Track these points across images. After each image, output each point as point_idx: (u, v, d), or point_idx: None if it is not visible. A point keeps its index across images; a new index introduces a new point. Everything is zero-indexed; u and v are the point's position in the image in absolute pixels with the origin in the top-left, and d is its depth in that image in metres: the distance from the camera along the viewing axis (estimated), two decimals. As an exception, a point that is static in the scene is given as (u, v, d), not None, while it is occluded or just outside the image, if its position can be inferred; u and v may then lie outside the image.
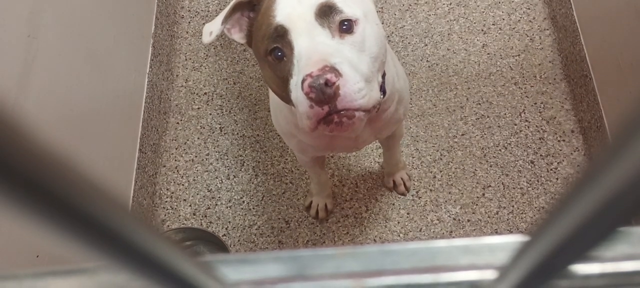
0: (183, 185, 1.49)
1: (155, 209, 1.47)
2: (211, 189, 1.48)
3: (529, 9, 1.64)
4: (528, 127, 1.47)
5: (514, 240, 0.25)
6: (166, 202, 1.48)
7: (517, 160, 1.44)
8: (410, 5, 1.67)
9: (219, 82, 1.62)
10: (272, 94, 0.97)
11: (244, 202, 1.45)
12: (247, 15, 0.82)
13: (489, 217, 1.38)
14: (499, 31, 1.61)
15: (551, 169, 1.42)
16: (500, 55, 1.57)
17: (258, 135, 1.53)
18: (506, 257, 0.22)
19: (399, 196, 1.42)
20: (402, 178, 1.40)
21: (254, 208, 1.44)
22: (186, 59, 1.67)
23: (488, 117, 1.49)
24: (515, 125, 1.48)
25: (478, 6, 1.65)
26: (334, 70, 0.66)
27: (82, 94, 1.18)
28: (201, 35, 0.85)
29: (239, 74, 1.63)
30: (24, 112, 0.98)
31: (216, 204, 1.46)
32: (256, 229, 1.42)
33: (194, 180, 1.49)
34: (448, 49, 1.59)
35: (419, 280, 0.25)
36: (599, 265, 0.23)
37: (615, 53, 1.27)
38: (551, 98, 1.51)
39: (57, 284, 0.24)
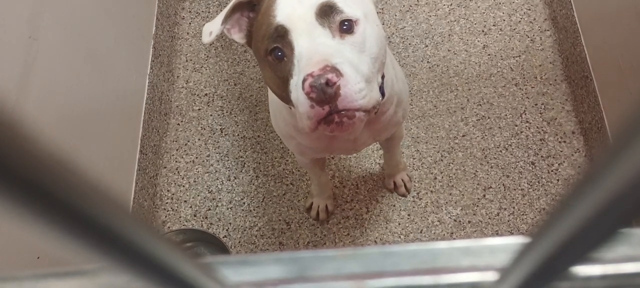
0: (184, 186, 1.49)
1: (156, 210, 1.47)
2: (212, 190, 1.48)
3: (529, 10, 1.64)
4: (529, 128, 1.47)
5: (514, 241, 0.25)
6: (167, 203, 1.48)
7: (518, 162, 1.44)
8: (410, 6, 1.67)
9: (219, 83, 1.62)
10: (271, 96, 0.97)
11: (244, 203, 1.45)
12: (246, 15, 0.82)
13: (489, 218, 1.38)
14: (500, 32, 1.61)
15: (552, 170, 1.42)
16: (501, 56, 1.57)
17: (259, 136, 1.53)
18: (507, 258, 0.22)
19: (400, 197, 1.42)
20: (402, 180, 1.40)
21: (254, 210, 1.44)
22: (187, 60, 1.67)
23: (489, 118, 1.49)
24: (516, 126, 1.48)
25: (479, 7, 1.65)
26: (335, 70, 0.66)
27: (82, 95, 1.18)
28: (201, 35, 0.85)
29: (239, 75, 1.63)
30: (25, 113, 0.98)
31: (217, 205, 1.46)
32: (257, 230, 1.42)
33: (195, 181, 1.49)
34: (449, 50, 1.59)
35: (419, 282, 0.25)
36: (600, 266, 0.23)
37: (616, 54, 1.27)
38: (552, 99, 1.51)
39: (57, 286, 0.24)
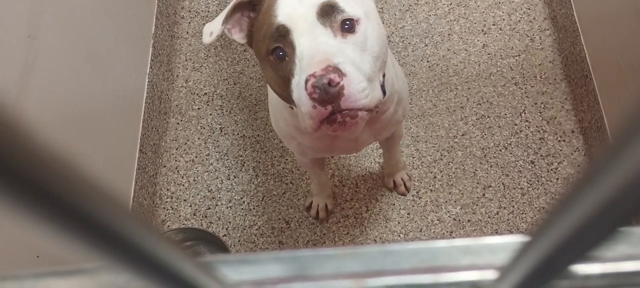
0: (183, 185, 1.49)
1: (156, 209, 1.47)
2: (211, 189, 1.48)
3: (529, 9, 1.64)
4: (528, 127, 1.47)
5: (514, 240, 0.25)
6: (166, 202, 1.48)
7: (518, 161, 1.44)
8: (410, 5, 1.67)
9: (219, 83, 1.62)
10: (271, 97, 0.97)
11: (244, 202, 1.45)
12: (247, 15, 0.82)
13: (489, 217, 1.38)
14: (499, 31, 1.61)
15: (551, 169, 1.42)
16: (501, 56, 1.57)
17: (258, 135, 1.53)
18: (507, 257, 0.22)
19: (400, 196, 1.42)
20: (402, 179, 1.40)
21: (254, 209, 1.44)
22: (186, 60, 1.67)
23: (488, 117, 1.49)
24: (516, 125, 1.48)
25: (478, 6, 1.65)
26: (337, 70, 0.66)
27: (82, 94, 1.18)
28: (201, 35, 0.85)
29: (239, 74, 1.63)
30: (25, 113, 0.98)
31: (216, 204, 1.46)
32: (256, 229, 1.42)
33: (195, 180, 1.49)
34: (448, 49, 1.59)
35: (419, 281, 0.25)
36: (599, 265, 0.23)
37: (616, 53, 1.27)
38: (551, 98, 1.51)
39: (57, 284, 0.24)
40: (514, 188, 1.41)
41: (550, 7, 1.63)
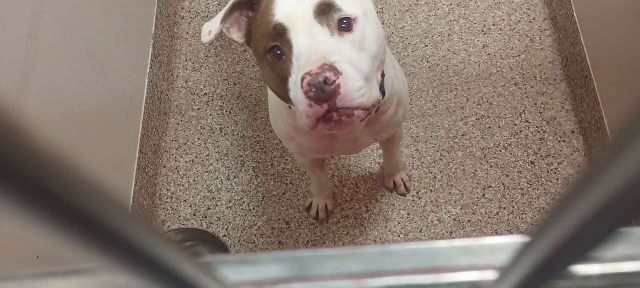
0: (183, 186, 1.49)
1: (156, 210, 1.47)
2: (211, 190, 1.48)
3: (529, 9, 1.64)
4: (528, 128, 1.47)
5: (514, 240, 0.25)
6: (166, 202, 1.48)
7: (518, 161, 1.44)
8: (410, 6, 1.67)
9: (219, 83, 1.62)
10: (271, 97, 0.97)
11: (244, 202, 1.45)
12: (246, 14, 0.82)
13: (489, 217, 1.38)
14: (500, 32, 1.61)
15: (551, 170, 1.42)
16: (501, 56, 1.57)
17: (258, 136, 1.53)
18: (507, 257, 0.22)
19: (400, 197, 1.42)
20: (402, 179, 1.40)
21: (254, 209, 1.44)
22: (186, 60, 1.67)
23: (488, 117, 1.49)
24: (516, 126, 1.48)
25: (478, 7, 1.65)
26: (333, 68, 0.66)
27: (82, 95, 1.18)
28: (201, 35, 0.85)
29: (239, 74, 1.63)
30: (25, 113, 0.98)
31: (216, 205, 1.46)
32: (256, 230, 1.42)
33: (195, 181, 1.49)
34: (448, 50, 1.59)
35: (419, 281, 0.25)
36: (599, 266, 0.23)
37: (616, 54, 1.27)
38: (551, 99, 1.51)
39: (57, 285, 0.24)
40: (514, 189, 1.41)
41: (550, 7, 1.63)
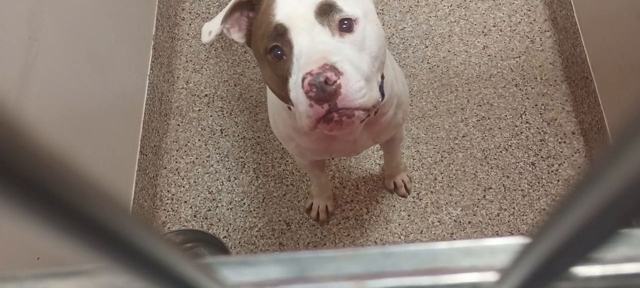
0: (184, 187, 1.49)
1: (156, 211, 1.47)
2: (212, 191, 1.48)
3: (529, 10, 1.64)
4: (529, 129, 1.47)
5: (515, 242, 0.25)
6: (167, 203, 1.48)
7: (518, 162, 1.44)
8: (410, 7, 1.67)
9: (219, 84, 1.62)
10: (270, 98, 0.97)
11: (244, 204, 1.45)
12: (246, 14, 0.82)
13: (489, 219, 1.38)
14: (500, 33, 1.61)
15: (552, 171, 1.42)
16: (501, 57, 1.57)
17: (259, 137, 1.53)
18: (507, 259, 0.22)
19: (400, 198, 1.42)
20: (402, 180, 1.40)
21: (254, 210, 1.44)
22: (187, 61, 1.67)
23: (489, 118, 1.49)
24: (516, 127, 1.48)
25: (479, 8, 1.65)
26: (333, 68, 0.66)
27: (82, 96, 1.18)
28: (201, 35, 0.85)
29: (239, 75, 1.63)
30: (25, 114, 0.98)
31: (217, 206, 1.46)
32: (257, 231, 1.42)
33: (195, 182, 1.49)
34: (449, 51, 1.59)
35: (419, 282, 0.25)
36: (600, 267, 0.23)
37: (616, 54, 1.27)
38: (552, 100, 1.51)
39: (58, 286, 0.24)
40: (515, 190, 1.40)
41: (550, 8, 1.63)
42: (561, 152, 1.44)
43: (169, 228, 1.43)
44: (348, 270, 0.25)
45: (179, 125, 1.58)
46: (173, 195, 1.49)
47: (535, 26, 1.61)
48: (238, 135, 1.54)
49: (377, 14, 0.79)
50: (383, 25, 1.47)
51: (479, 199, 1.40)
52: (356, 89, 0.67)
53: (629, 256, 0.24)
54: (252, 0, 0.80)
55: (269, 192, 1.46)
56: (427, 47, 1.60)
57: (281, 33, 0.71)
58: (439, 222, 1.39)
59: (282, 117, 0.92)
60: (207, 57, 1.67)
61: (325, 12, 0.71)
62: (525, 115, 1.49)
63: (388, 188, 1.42)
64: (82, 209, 0.13)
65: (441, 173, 1.44)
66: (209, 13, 1.74)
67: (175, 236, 1.34)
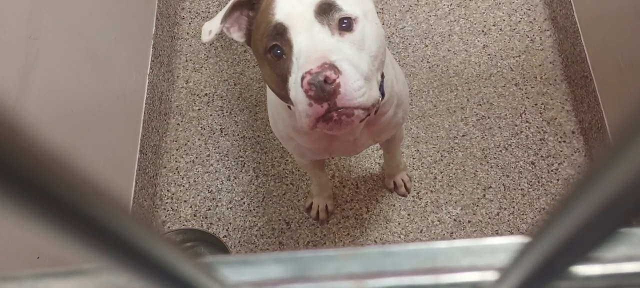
0: (184, 186, 1.49)
1: (156, 210, 1.47)
2: (212, 190, 1.48)
3: (529, 10, 1.64)
4: (529, 128, 1.47)
5: (514, 241, 0.25)
6: (167, 203, 1.48)
7: (518, 161, 1.44)
8: (410, 6, 1.67)
9: (219, 84, 1.62)
10: (270, 98, 0.97)
11: (244, 203, 1.45)
12: (246, 14, 0.82)
13: (489, 218, 1.38)
14: (500, 32, 1.61)
15: (552, 170, 1.42)
16: (501, 56, 1.57)
17: (259, 136, 1.53)
18: (507, 258, 0.22)
19: (400, 197, 1.42)
20: (402, 180, 1.40)
21: (254, 210, 1.44)
22: (187, 60, 1.67)
23: (489, 118, 1.49)
24: (516, 126, 1.48)
25: (478, 7, 1.65)
26: (333, 67, 0.66)
27: (82, 95, 1.18)
28: (201, 35, 0.85)
29: (239, 75, 1.63)
30: (25, 113, 0.98)
31: (217, 205, 1.46)
32: (257, 230, 1.42)
33: (195, 181, 1.49)
34: (448, 50, 1.59)
35: (419, 282, 0.25)
36: (600, 266, 0.23)
37: (616, 54, 1.27)
38: (552, 99, 1.51)
39: (58, 285, 0.24)
40: (515, 189, 1.40)
41: (550, 7, 1.63)
42: (561, 151, 1.44)
43: (168, 227, 1.43)
44: (348, 269, 0.25)
45: (178, 124, 1.58)
46: (173, 194, 1.49)
47: (535, 25, 1.61)
48: (238, 135, 1.54)
49: (377, 13, 0.79)
50: (383, 24, 1.47)
51: (478, 198, 1.40)
52: (355, 88, 0.67)
53: (628, 255, 0.24)
54: (251, 0, 0.80)
55: (268, 191, 1.46)
56: (426, 46, 1.60)
57: (281, 32, 0.71)
58: (438, 221, 1.39)
59: (282, 116, 0.92)
60: (207, 57, 1.66)
61: (324, 11, 0.71)
62: (525, 114, 1.49)
63: (388, 188, 1.42)
64: (82, 209, 0.13)
65: (441, 173, 1.44)
66: (209, 12, 1.74)
67: (175, 235, 1.34)
